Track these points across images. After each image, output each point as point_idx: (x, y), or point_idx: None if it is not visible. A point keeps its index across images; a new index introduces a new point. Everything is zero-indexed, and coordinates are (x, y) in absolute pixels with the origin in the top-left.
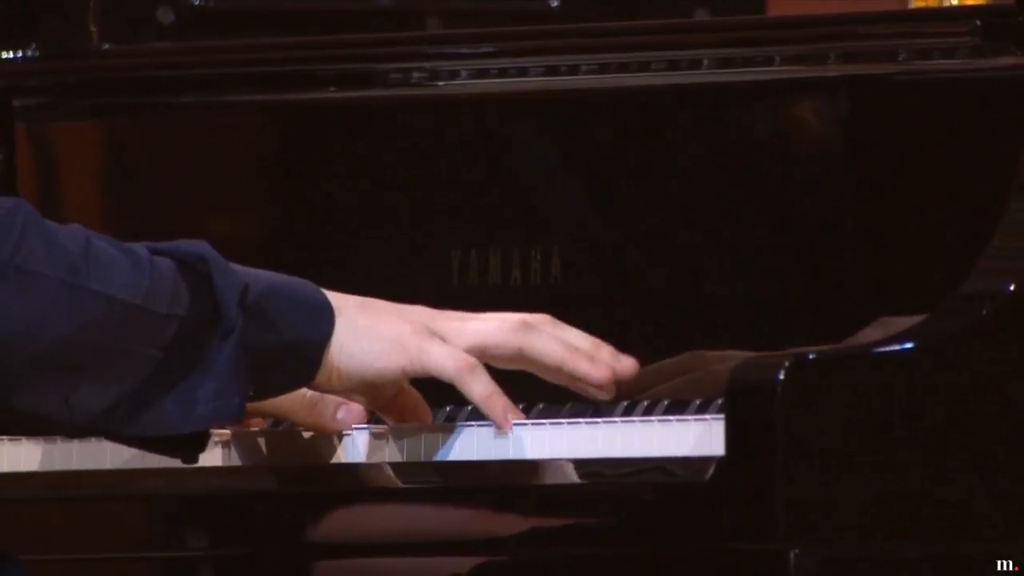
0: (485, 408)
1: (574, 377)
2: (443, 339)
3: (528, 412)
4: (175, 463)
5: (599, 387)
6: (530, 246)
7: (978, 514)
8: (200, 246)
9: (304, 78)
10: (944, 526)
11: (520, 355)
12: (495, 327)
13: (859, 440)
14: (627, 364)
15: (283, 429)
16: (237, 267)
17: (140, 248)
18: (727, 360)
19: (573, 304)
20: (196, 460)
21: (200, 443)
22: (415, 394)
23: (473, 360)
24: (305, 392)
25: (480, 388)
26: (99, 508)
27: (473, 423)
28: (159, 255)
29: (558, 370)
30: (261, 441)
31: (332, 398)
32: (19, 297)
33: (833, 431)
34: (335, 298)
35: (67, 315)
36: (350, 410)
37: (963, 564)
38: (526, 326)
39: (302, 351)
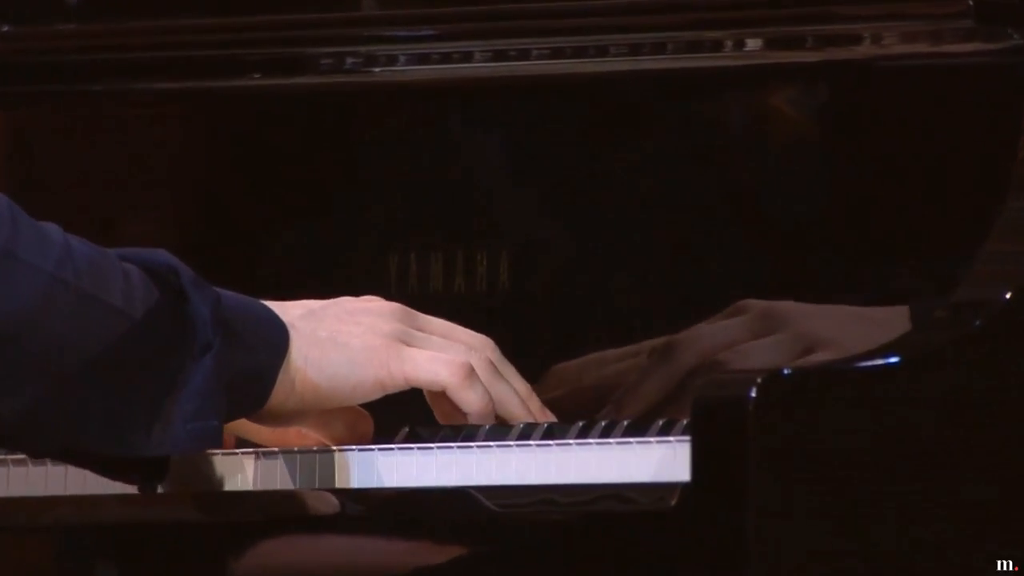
0: (478, 421)
1: None
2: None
3: (474, 434)
4: (84, 490)
5: None
6: (475, 251)
7: (969, 541)
8: (166, 255)
9: (225, 64)
10: (934, 554)
11: (444, 391)
12: (444, 366)
13: (838, 463)
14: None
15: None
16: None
17: (109, 252)
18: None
19: (523, 315)
20: (156, 488)
21: (162, 469)
22: (371, 422)
23: (469, 365)
24: None
25: (477, 398)
26: (2, 542)
27: (416, 446)
28: (125, 261)
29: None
30: (179, 465)
31: None
32: (14, 286)
33: (810, 454)
34: (281, 312)
35: (57, 312)
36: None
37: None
38: (470, 376)
39: (262, 372)
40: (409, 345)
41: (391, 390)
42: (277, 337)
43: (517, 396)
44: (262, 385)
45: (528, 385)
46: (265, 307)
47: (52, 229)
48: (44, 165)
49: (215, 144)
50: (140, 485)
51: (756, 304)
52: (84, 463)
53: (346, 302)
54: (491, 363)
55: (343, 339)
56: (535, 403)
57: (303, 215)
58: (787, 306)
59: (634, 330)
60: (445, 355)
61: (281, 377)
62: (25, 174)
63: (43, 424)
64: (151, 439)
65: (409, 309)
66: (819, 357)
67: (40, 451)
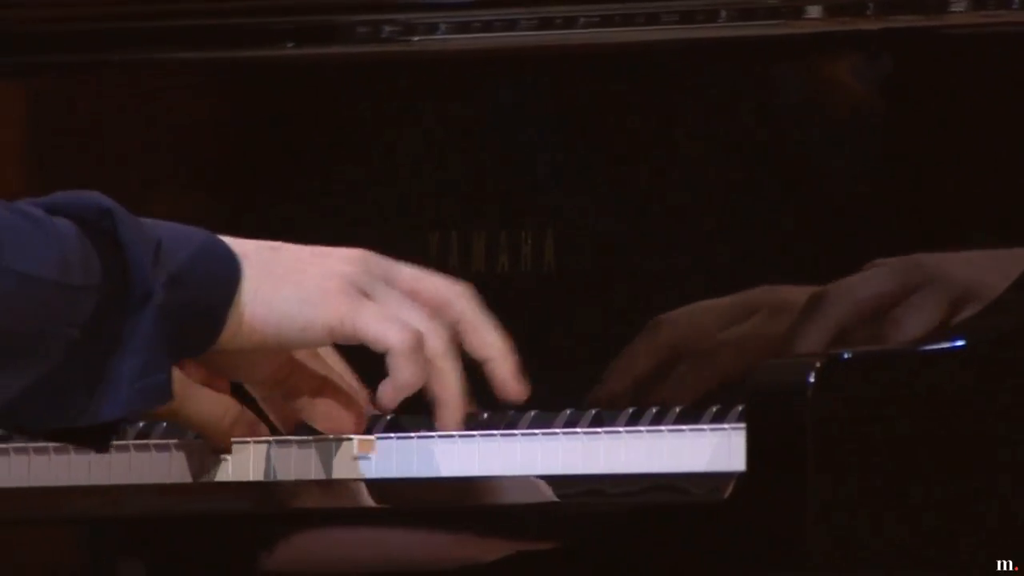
0: (392, 395)
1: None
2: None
3: (518, 420)
4: (108, 480)
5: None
6: (520, 229)
7: None
8: (100, 198)
9: (256, 32)
10: (998, 545)
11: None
12: (395, 330)
13: (902, 453)
14: (517, 389)
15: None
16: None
17: (35, 210)
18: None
19: (568, 296)
20: (108, 448)
21: (112, 428)
22: (344, 392)
23: (419, 335)
24: (228, 407)
25: (409, 375)
26: (18, 534)
27: (458, 434)
28: (55, 213)
29: None
30: (207, 454)
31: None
32: None
33: (872, 442)
34: (236, 244)
35: None
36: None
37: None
38: (415, 350)
39: (211, 307)
40: (368, 296)
41: (340, 340)
42: (227, 271)
43: (454, 384)
44: (212, 322)
45: (506, 346)
46: (216, 240)
47: None
48: (68, 136)
49: (246, 116)
50: (95, 448)
51: (892, 260)
52: (31, 433)
53: (311, 246)
54: (447, 339)
55: (298, 277)
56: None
57: (340, 191)
58: (927, 256)
59: (679, 313)
60: (400, 317)
61: (231, 312)
62: (49, 145)
63: None
64: (100, 406)
65: (380, 256)
66: (970, 306)
67: None
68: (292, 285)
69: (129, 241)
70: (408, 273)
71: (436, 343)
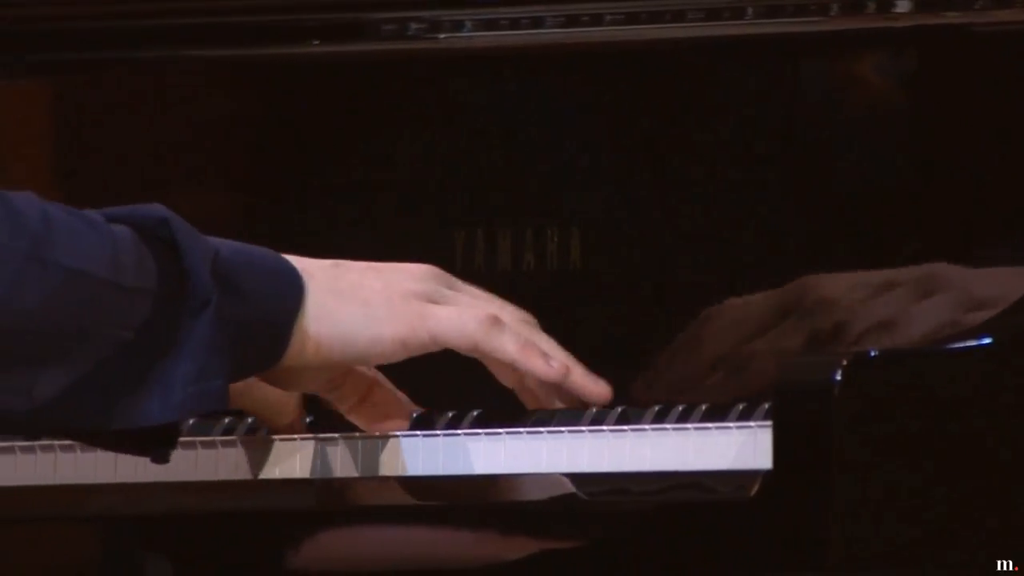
0: (525, 364)
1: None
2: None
3: (545, 419)
4: (134, 477)
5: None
6: (546, 227)
7: None
8: (159, 209)
9: (283, 29)
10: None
11: (475, 351)
12: (470, 318)
13: (928, 452)
14: (601, 389)
15: (258, 437)
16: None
17: (95, 215)
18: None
19: (595, 294)
20: (167, 459)
21: (171, 439)
22: (390, 393)
23: (495, 315)
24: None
25: (511, 339)
26: (45, 531)
27: (484, 431)
28: (114, 221)
29: (511, 367)
30: (233, 452)
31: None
32: None
33: (898, 441)
34: (299, 262)
35: (33, 292)
36: None
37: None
38: (498, 324)
39: (274, 324)
40: (435, 303)
41: (415, 350)
42: (289, 287)
43: (549, 343)
44: (276, 339)
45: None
46: (278, 257)
47: (27, 203)
48: (95, 135)
49: (272, 114)
50: (152, 456)
51: (914, 269)
52: (85, 438)
53: (377, 263)
54: (521, 317)
55: (363, 293)
56: (578, 369)
57: (364, 188)
58: (942, 266)
59: (711, 309)
60: (470, 309)
61: (295, 329)
62: (76, 144)
63: (33, 405)
64: (152, 408)
65: (445, 273)
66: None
67: (33, 431)
68: (358, 302)
69: (187, 249)
70: (473, 290)
71: (514, 317)
